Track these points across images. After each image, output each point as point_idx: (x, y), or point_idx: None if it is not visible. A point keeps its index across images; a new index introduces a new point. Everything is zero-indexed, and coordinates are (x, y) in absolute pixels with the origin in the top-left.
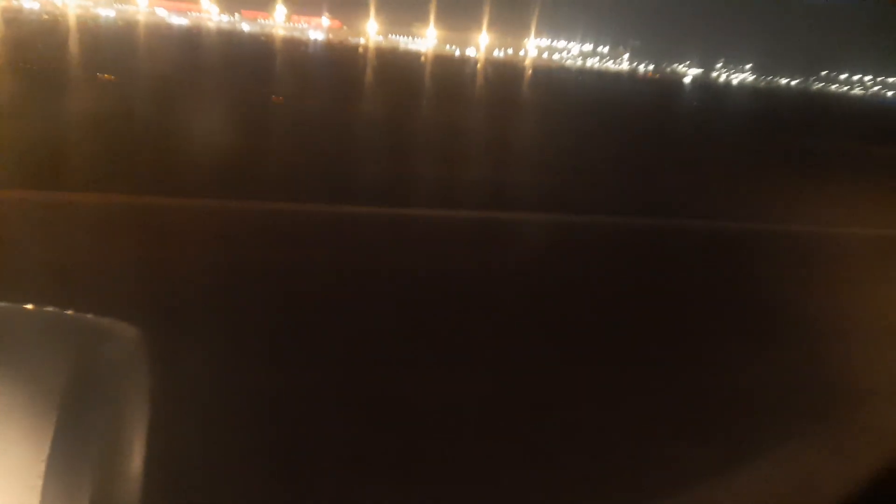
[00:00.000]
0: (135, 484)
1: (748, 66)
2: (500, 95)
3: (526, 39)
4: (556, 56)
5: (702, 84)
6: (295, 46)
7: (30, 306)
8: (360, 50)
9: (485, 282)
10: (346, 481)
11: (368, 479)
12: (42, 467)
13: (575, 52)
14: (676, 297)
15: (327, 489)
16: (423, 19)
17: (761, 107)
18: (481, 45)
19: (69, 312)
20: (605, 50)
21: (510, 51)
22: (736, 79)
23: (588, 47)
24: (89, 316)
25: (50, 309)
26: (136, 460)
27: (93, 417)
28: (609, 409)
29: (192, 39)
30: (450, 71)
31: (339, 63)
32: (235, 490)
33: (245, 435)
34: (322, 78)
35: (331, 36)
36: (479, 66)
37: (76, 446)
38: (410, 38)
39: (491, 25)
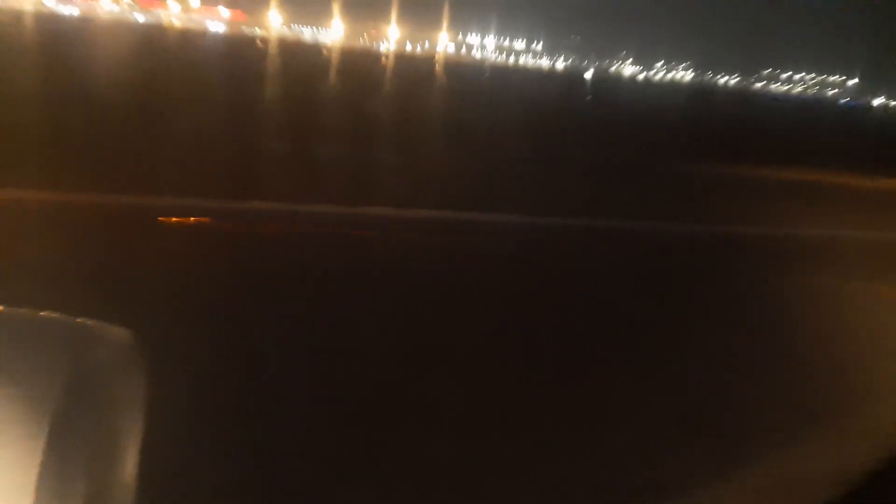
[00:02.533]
0: (128, 490)
1: (684, 64)
2: (402, 91)
3: (441, 33)
4: (473, 51)
5: (624, 81)
6: (189, 39)
7: (19, 309)
8: (261, 43)
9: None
10: (343, 488)
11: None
12: (35, 473)
13: (496, 47)
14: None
15: (325, 495)
16: (330, 10)
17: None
18: (393, 38)
19: (62, 316)
20: (539, 46)
21: (426, 45)
22: (670, 76)
23: (520, 44)
24: (80, 319)
25: (41, 312)
26: (129, 466)
27: (85, 422)
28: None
29: (77, 29)
30: (356, 66)
31: (232, 56)
32: (230, 496)
33: (239, 439)
34: (209, 72)
35: (231, 28)
36: (388, 60)
37: (69, 451)
38: (317, 29)
39: (405, 18)
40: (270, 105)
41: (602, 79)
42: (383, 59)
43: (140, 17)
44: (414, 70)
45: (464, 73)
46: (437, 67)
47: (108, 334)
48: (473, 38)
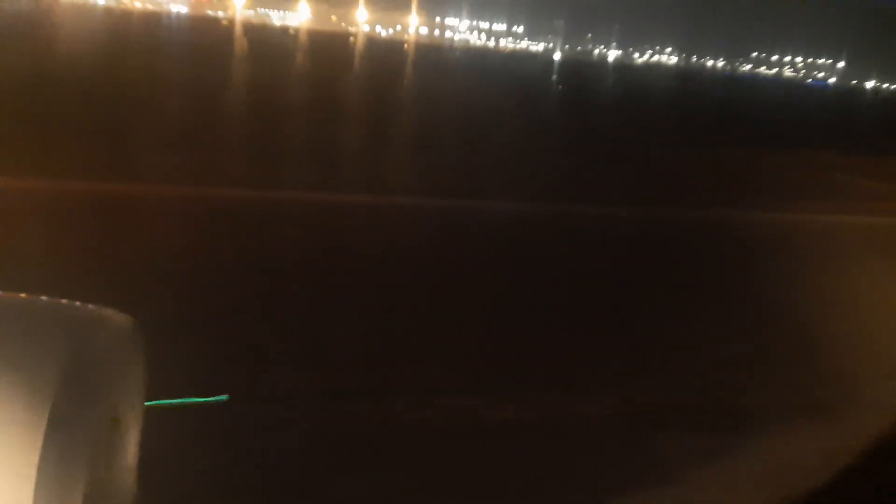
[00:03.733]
0: (129, 473)
1: (669, 49)
2: (366, 74)
3: (411, 16)
4: (450, 34)
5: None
6: (152, 20)
7: (23, 295)
8: (225, 24)
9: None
10: (344, 480)
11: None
12: (37, 456)
13: (474, 30)
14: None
15: (324, 489)
16: None
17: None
18: (362, 20)
19: (63, 301)
20: (520, 29)
21: (398, 28)
22: (654, 60)
23: (501, 27)
24: (84, 304)
25: (44, 298)
26: (131, 450)
27: (87, 406)
28: None
29: (42, 12)
30: (324, 49)
31: (197, 38)
32: (229, 483)
33: (242, 427)
34: (173, 54)
35: (195, 9)
36: (355, 42)
37: (71, 434)
38: (285, 12)
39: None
40: (237, 88)
41: (586, 62)
42: (352, 41)
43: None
44: (384, 53)
45: (437, 55)
46: (409, 50)
47: (109, 319)
48: (450, 21)
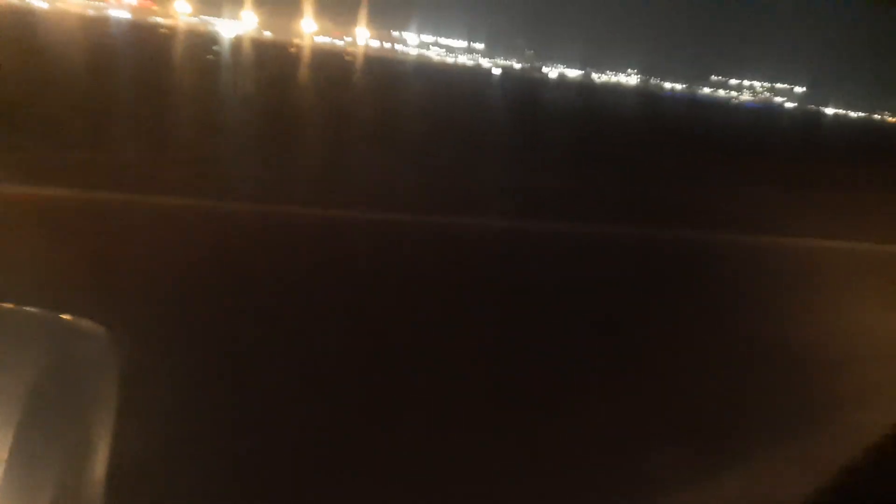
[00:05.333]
0: (98, 487)
1: (631, 70)
2: (314, 85)
3: (358, 28)
4: (401, 47)
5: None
6: (95, 26)
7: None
8: (168, 32)
9: None
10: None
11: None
12: (2, 465)
13: (428, 44)
14: None
15: (299, 495)
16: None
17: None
18: (307, 30)
19: (37, 310)
20: (480, 46)
21: (346, 40)
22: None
23: (460, 43)
24: (57, 314)
25: (16, 307)
26: (100, 462)
27: (58, 417)
28: None
29: None
30: (271, 59)
31: (139, 45)
32: (204, 497)
33: (215, 440)
34: (114, 60)
35: (137, 17)
36: (299, 53)
37: (40, 445)
38: (231, 20)
39: (323, 11)
40: (175, 97)
41: (543, 82)
42: (301, 53)
43: (44, 4)
44: (329, 65)
45: (384, 69)
46: (355, 62)
47: (84, 329)
48: (402, 34)
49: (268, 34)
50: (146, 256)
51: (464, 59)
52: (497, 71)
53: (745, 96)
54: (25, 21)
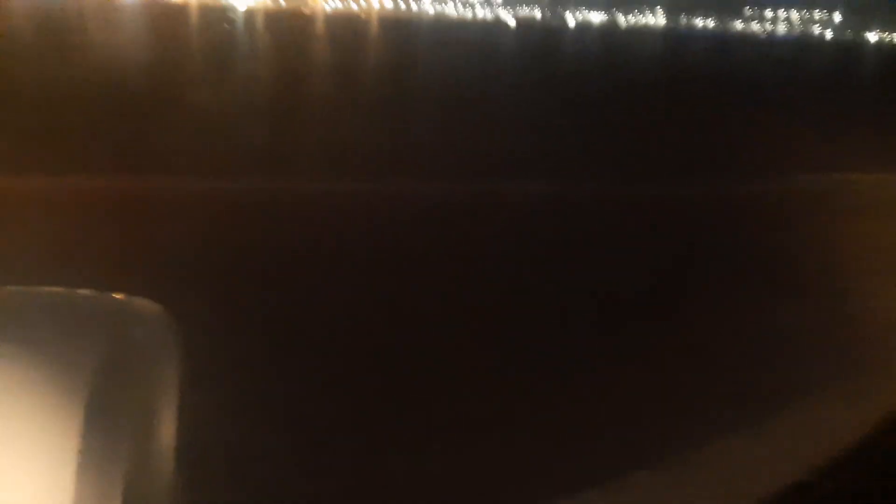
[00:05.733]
0: (167, 466)
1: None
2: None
3: None
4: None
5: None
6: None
7: (58, 289)
8: (181, 5)
9: None
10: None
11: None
12: (73, 452)
13: None
14: None
15: (365, 485)
16: None
17: None
18: None
19: (96, 293)
20: None
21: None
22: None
23: None
24: (116, 296)
25: (77, 291)
26: (168, 439)
27: (125, 396)
28: None
29: None
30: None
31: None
32: (269, 480)
33: (281, 425)
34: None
35: None
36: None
37: (107, 429)
38: None
39: None
40: (195, 73)
41: (566, 31)
42: (314, 18)
43: None
44: (344, 28)
45: (400, 28)
46: (370, 24)
47: (144, 310)
48: None
49: (280, 1)
50: (191, 238)
51: (482, 13)
52: (515, 22)
53: (781, 28)
54: (42, 8)
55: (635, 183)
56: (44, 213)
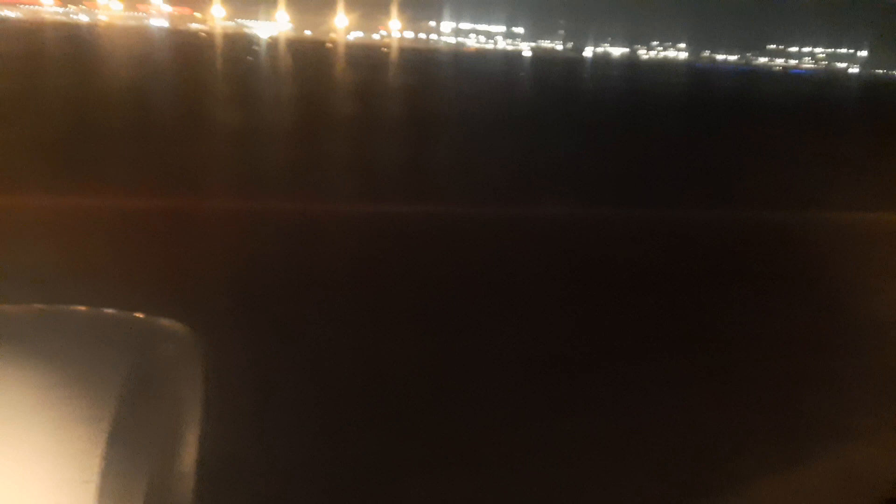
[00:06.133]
0: (188, 482)
1: (681, 44)
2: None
3: (392, 21)
4: (439, 37)
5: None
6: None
7: (84, 308)
8: (208, 37)
9: None
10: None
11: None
12: (99, 463)
13: (466, 32)
14: None
15: (386, 493)
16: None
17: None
18: (341, 26)
19: (121, 312)
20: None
21: (382, 34)
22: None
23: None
24: (141, 315)
25: (103, 309)
26: (190, 461)
27: (149, 417)
28: None
29: (24, 32)
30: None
31: (180, 51)
32: (289, 493)
33: (301, 438)
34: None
35: (176, 24)
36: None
37: (130, 446)
38: (265, 21)
39: (357, 5)
40: (223, 100)
41: (588, 63)
42: (337, 49)
43: (85, 17)
44: (366, 59)
45: (421, 60)
46: (393, 56)
47: (170, 330)
48: (438, 24)
49: (304, 32)
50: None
51: (503, 45)
52: (538, 55)
53: (806, 64)
54: (69, 34)
55: (651, 207)
56: (69, 232)
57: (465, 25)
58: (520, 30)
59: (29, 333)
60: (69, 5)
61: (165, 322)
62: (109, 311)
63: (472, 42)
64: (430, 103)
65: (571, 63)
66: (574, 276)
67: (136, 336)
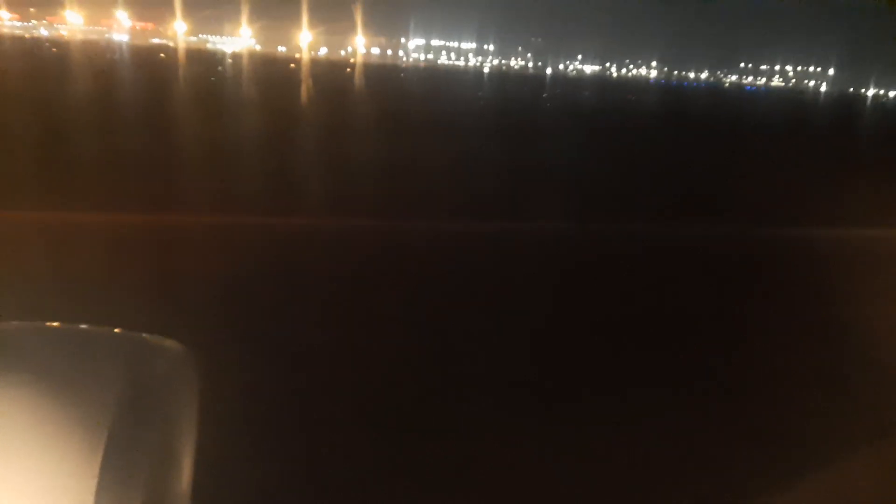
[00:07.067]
0: (183, 500)
1: (654, 63)
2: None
3: (356, 37)
4: (405, 54)
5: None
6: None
7: (81, 325)
8: (168, 52)
9: None
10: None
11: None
12: (95, 482)
13: (435, 49)
14: None
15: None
16: (240, 19)
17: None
18: (307, 43)
19: (118, 330)
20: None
21: (347, 50)
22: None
23: (469, 45)
24: (137, 333)
25: (98, 327)
26: (185, 477)
27: (143, 433)
28: None
29: None
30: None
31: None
32: None
33: (295, 450)
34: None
35: (138, 40)
36: (301, 66)
37: (125, 463)
38: (230, 38)
39: (323, 21)
40: (185, 116)
41: (559, 80)
42: (302, 66)
43: (44, 31)
44: (331, 76)
45: (388, 77)
46: (356, 72)
47: (164, 347)
48: (407, 40)
49: (268, 49)
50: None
51: (474, 62)
52: (508, 72)
53: (776, 82)
54: (28, 49)
55: (627, 223)
56: (64, 248)
57: (435, 41)
58: (490, 47)
59: (21, 351)
60: (30, 20)
61: (160, 339)
62: (104, 328)
63: (442, 59)
64: (393, 119)
65: (543, 80)
66: (527, 288)
67: (128, 353)
